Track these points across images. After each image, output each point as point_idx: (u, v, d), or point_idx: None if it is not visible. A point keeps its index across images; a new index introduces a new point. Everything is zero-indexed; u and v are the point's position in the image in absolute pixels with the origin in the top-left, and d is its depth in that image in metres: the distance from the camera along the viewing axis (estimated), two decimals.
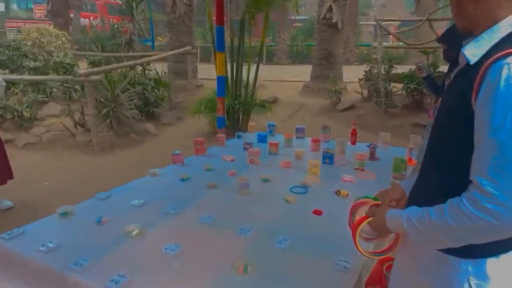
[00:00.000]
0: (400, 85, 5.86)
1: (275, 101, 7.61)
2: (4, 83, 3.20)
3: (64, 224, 2.05)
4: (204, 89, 8.92)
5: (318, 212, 2.17)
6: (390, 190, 1.36)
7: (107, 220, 2.06)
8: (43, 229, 1.98)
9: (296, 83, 9.83)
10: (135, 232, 1.88)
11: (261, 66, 5.45)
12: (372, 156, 3.24)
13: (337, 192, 2.45)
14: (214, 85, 8.39)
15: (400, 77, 5.85)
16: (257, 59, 5.59)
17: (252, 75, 5.49)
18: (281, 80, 10.69)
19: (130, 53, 8.46)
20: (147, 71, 7.02)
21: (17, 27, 17.22)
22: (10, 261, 1.79)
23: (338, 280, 1.52)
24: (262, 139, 3.95)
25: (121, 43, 10.07)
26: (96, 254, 1.70)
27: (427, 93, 5.55)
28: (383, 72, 6.15)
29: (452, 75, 1.08)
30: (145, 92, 6.04)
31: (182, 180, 2.74)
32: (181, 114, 6.73)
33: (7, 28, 19.14)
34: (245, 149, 3.60)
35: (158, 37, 18.37)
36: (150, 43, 13.63)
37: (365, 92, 6.59)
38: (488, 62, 0.90)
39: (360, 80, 6.91)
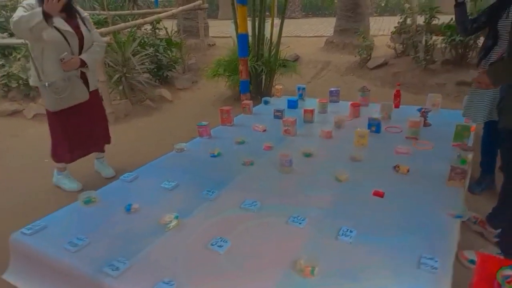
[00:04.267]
0: (440, 38, 5.34)
1: (296, 59, 7.14)
2: (105, 44, 2.98)
3: (89, 214, 1.85)
4: (217, 48, 8.45)
5: (379, 194, 1.91)
6: None
7: (137, 208, 1.86)
8: (66, 221, 1.79)
9: (317, 38, 9.22)
10: (173, 223, 1.67)
11: (273, 20, 4.97)
12: (425, 122, 2.91)
13: (396, 168, 2.18)
14: (226, 43, 7.94)
15: (441, 28, 5.31)
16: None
17: (275, 31, 5.04)
18: (300, 35, 10.06)
19: (136, 11, 7.93)
20: (157, 30, 6.58)
21: None
22: (33, 261, 1.60)
23: (426, 285, 1.28)
24: (292, 104, 3.65)
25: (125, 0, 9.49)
26: (132, 253, 1.51)
27: (473, 46, 5.04)
28: (421, 23, 5.59)
29: None
30: (157, 54, 5.67)
31: (213, 155, 2.51)
32: (196, 77, 6.37)
33: None
34: (276, 116, 3.32)
35: None
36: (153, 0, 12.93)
37: (399, 47, 6.07)
38: None
39: (393, 33, 6.34)
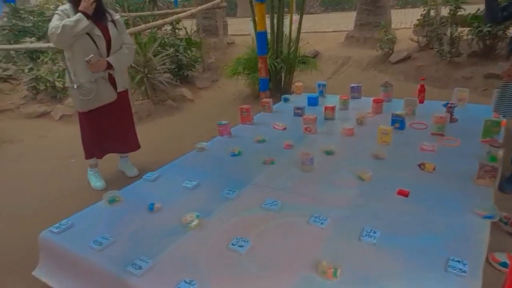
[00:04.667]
0: (466, 29, 5.13)
1: (315, 55, 7.05)
2: (134, 47, 3.09)
3: (114, 213, 1.89)
4: (236, 46, 8.46)
5: (403, 193, 1.85)
6: None
7: (160, 207, 1.88)
8: (92, 220, 1.83)
9: (337, 33, 9.06)
10: (194, 223, 1.68)
11: (292, 16, 4.91)
12: (451, 117, 2.81)
13: (421, 166, 2.11)
14: (245, 41, 7.94)
15: (467, 19, 5.10)
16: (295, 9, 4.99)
17: (293, 28, 4.99)
18: (319, 31, 9.92)
19: (157, 11, 8.04)
20: (176, 31, 6.65)
21: None
22: (61, 258, 1.66)
23: None
24: (313, 101, 3.60)
25: (145, 1, 9.64)
26: (155, 252, 1.53)
27: (502, 37, 4.81)
28: (446, 14, 5.39)
29: None
30: (177, 54, 5.73)
31: (234, 154, 2.51)
32: (216, 76, 6.40)
33: None
34: (296, 114, 3.29)
35: None
36: (173, 1, 13.06)
37: (422, 40, 5.88)
38: None
39: (416, 25, 6.15)
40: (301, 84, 4.11)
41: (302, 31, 5.05)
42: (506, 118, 2.49)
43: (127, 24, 6.43)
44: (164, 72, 5.35)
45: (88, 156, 2.90)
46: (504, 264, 1.68)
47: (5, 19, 7.00)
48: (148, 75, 4.92)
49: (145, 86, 4.94)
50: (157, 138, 4.00)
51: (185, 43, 6.04)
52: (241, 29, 11.25)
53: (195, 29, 7.47)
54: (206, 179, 2.17)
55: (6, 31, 6.70)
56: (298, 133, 2.84)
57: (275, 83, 4.98)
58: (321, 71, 5.61)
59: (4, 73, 5.66)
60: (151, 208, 1.86)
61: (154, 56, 5.11)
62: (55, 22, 2.34)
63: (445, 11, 5.59)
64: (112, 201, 1.97)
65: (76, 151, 3.29)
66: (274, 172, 2.22)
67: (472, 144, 2.35)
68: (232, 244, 1.52)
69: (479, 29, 4.83)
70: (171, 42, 5.92)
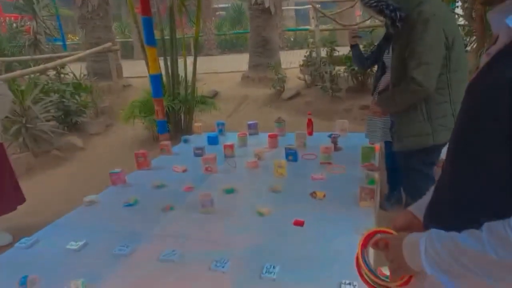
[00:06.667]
0: (342, 68, 5.91)
1: (215, 95, 7.26)
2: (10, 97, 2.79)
3: None
4: (133, 89, 8.23)
5: (299, 223, 1.93)
6: (395, 217, 1.16)
7: (35, 279, 1.60)
8: None
9: (233, 74, 9.55)
10: None
11: (192, 58, 5.04)
12: (335, 147, 3.11)
13: (313, 194, 2.25)
14: (143, 83, 7.80)
15: (342, 59, 5.89)
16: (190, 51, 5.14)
17: (188, 69, 5.07)
18: (217, 72, 10.32)
19: (38, 56, 7.39)
20: (62, 75, 6.18)
21: None
22: None
23: None
24: (212, 140, 3.62)
25: (25, 44, 8.81)
26: None
27: (370, 73, 5.66)
28: (324, 55, 6.15)
29: (482, 60, 0.85)
30: (63, 100, 5.28)
31: (128, 205, 2.33)
32: (111, 121, 6.06)
33: None
34: (196, 155, 3.25)
35: (69, 35, 16.74)
36: (61, 43, 12.27)
37: (308, 78, 6.55)
38: None
39: (301, 65, 6.85)
40: (200, 124, 4.13)
41: (201, 72, 5.18)
42: (374, 144, 2.86)
43: None
44: (49, 120, 4.85)
45: None
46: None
47: None
48: (28, 125, 4.39)
49: (23, 137, 4.38)
50: (39, 196, 3.53)
51: (72, 88, 5.62)
52: (138, 72, 11.01)
53: (85, 73, 7.06)
54: (95, 237, 1.95)
55: None
56: (199, 174, 2.80)
57: (175, 124, 4.93)
58: (221, 110, 5.76)
59: None
60: (23, 282, 1.57)
61: (35, 103, 4.62)
62: None
63: (323, 53, 6.38)
64: None
65: None
66: (173, 218, 2.12)
67: (355, 169, 2.61)
68: None
69: (351, 67, 5.61)
70: (56, 88, 5.45)
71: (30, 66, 6.36)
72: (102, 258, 1.75)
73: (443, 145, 2.07)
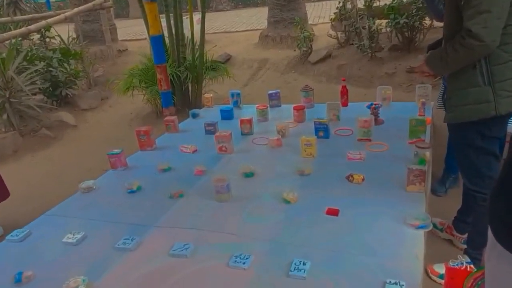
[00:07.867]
0: (384, 21, 5.72)
1: (227, 60, 7.23)
2: None
3: None
4: (130, 54, 8.29)
5: (333, 212, 1.94)
6: None
7: (31, 275, 1.69)
8: None
9: (250, 32, 9.44)
10: None
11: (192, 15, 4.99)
12: (376, 119, 3.06)
13: (349, 178, 2.24)
14: (142, 47, 7.84)
15: (384, 11, 5.69)
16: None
17: (195, 28, 5.03)
18: (229, 31, 10.21)
19: (19, 17, 7.51)
20: (47, 39, 6.27)
21: None
22: None
23: None
24: (226, 115, 3.64)
25: (2, 3, 8.96)
26: None
27: (420, 28, 5.46)
28: (361, 6, 5.96)
29: None
30: (50, 69, 5.37)
31: (131, 191, 2.40)
32: (106, 93, 6.15)
33: None
34: (208, 132, 3.29)
35: None
36: (44, 1, 12.41)
37: (341, 35, 6.40)
38: None
39: (333, 20, 6.69)
40: (211, 95, 4.14)
41: (210, 31, 5.17)
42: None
43: None
44: (35, 94, 4.97)
45: None
46: (442, 276, 1.85)
47: None
48: (12, 100, 4.52)
49: (7, 113, 4.52)
50: (27, 182, 3.67)
51: (59, 55, 5.70)
52: (136, 32, 11.06)
53: (74, 36, 7.13)
54: (95, 228, 2.02)
55: None
56: (212, 154, 2.83)
57: (181, 96, 4.96)
58: (235, 78, 5.74)
59: None
60: (18, 279, 1.66)
61: (19, 74, 4.73)
62: None
63: (360, 3, 6.19)
64: None
65: None
66: (183, 207, 2.16)
67: (401, 147, 2.57)
68: None
69: (396, 21, 5.42)
70: (41, 54, 5.55)
71: (10, 29, 6.48)
72: (103, 252, 1.81)
73: (508, 115, 1.99)
